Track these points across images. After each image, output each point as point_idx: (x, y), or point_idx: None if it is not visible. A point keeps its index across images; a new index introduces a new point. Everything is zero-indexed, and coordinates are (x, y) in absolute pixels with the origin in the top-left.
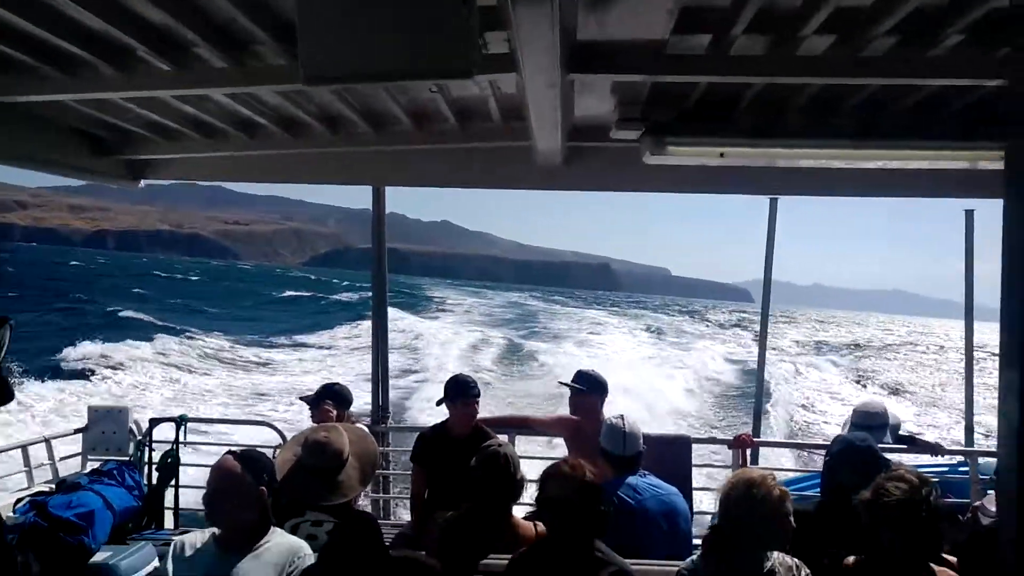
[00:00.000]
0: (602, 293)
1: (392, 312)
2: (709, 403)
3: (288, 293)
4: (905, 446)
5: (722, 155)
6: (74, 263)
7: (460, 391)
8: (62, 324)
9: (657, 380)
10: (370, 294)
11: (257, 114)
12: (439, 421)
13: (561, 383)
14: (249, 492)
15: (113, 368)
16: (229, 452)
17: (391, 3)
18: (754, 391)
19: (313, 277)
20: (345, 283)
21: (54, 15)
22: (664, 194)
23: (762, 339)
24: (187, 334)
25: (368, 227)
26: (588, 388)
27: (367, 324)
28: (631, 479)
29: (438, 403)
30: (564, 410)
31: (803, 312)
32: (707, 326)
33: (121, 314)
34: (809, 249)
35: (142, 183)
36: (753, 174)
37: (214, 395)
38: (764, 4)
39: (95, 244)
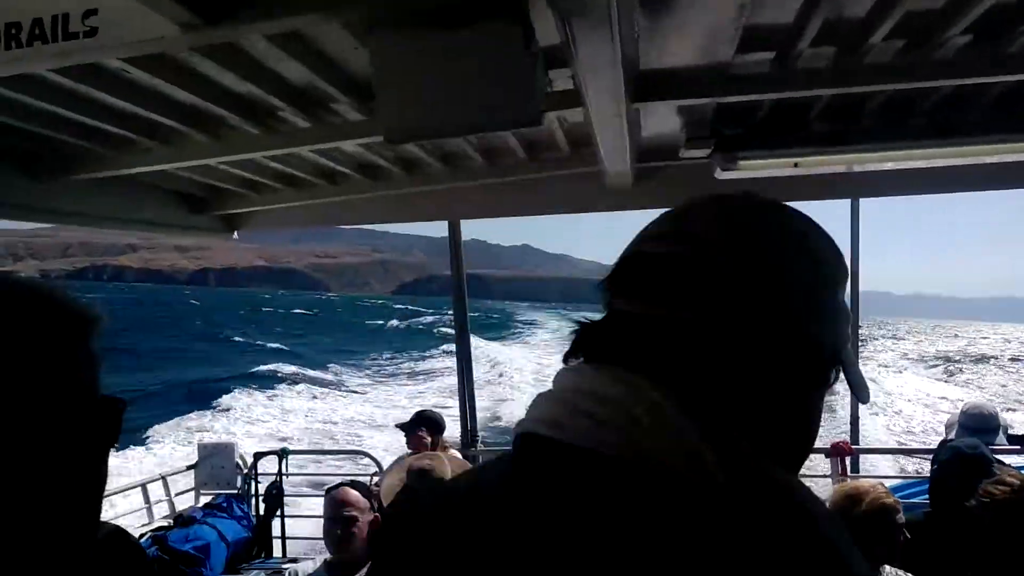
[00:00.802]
0: None
1: (475, 340)
2: None
3: (381, 322)
4: (1021, 447)
5: (796, 165)
6: (193, 301)
7: None
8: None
9: None
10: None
11: (338, 163)
12: None
13: None
14: (367, 519)
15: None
16: (340, 484)
17: (460, 61)
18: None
19: (400, 306)
20: (430, 310)
21: (153, 94)
22: None
23: (854, 343)
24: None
25: (446, 256)
26: None
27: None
28: None
29: None
30: None
31: (901, 321)
32: None
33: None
34: (908, 257)
35: (235, 235)
36: (829, 180)
37: (318, 423)
38: (829, 16)
39: (198, 281)
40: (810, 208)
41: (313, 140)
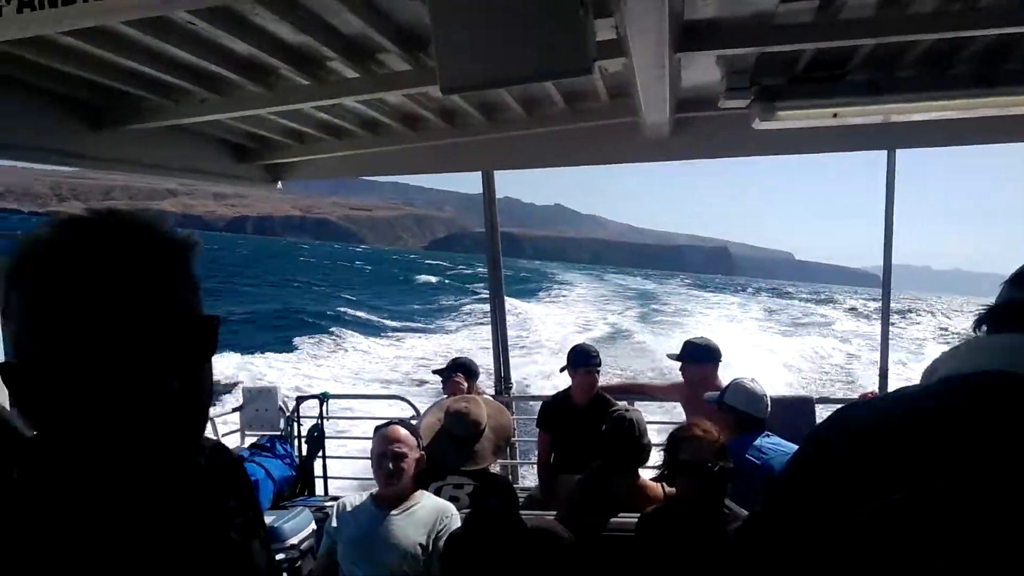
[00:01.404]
0: (719, 277)
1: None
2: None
3: (420, 278)
4: None
5: (835, 115)
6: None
7: (582, 360)
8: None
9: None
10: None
11: (381, 114)
12: (562, 389)
13: (669, 356)
14: (411, 455)
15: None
16: (390, 421)
17: (515, 14)
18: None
19: (438, 262)
20: (460, 265)
21: (213, 46)
22: (777, 163)
23: (885, 294)
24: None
25: (483, 212)
26: (698, 358)
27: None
28: (757, 440)
29: (561, 370)
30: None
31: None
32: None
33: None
34: (950, 231)
35: (279, 184)
36: (866, 130)
37: (361, 372)
38: None
39: (236, 229)
40: (846, 158)
41: (361, 90)
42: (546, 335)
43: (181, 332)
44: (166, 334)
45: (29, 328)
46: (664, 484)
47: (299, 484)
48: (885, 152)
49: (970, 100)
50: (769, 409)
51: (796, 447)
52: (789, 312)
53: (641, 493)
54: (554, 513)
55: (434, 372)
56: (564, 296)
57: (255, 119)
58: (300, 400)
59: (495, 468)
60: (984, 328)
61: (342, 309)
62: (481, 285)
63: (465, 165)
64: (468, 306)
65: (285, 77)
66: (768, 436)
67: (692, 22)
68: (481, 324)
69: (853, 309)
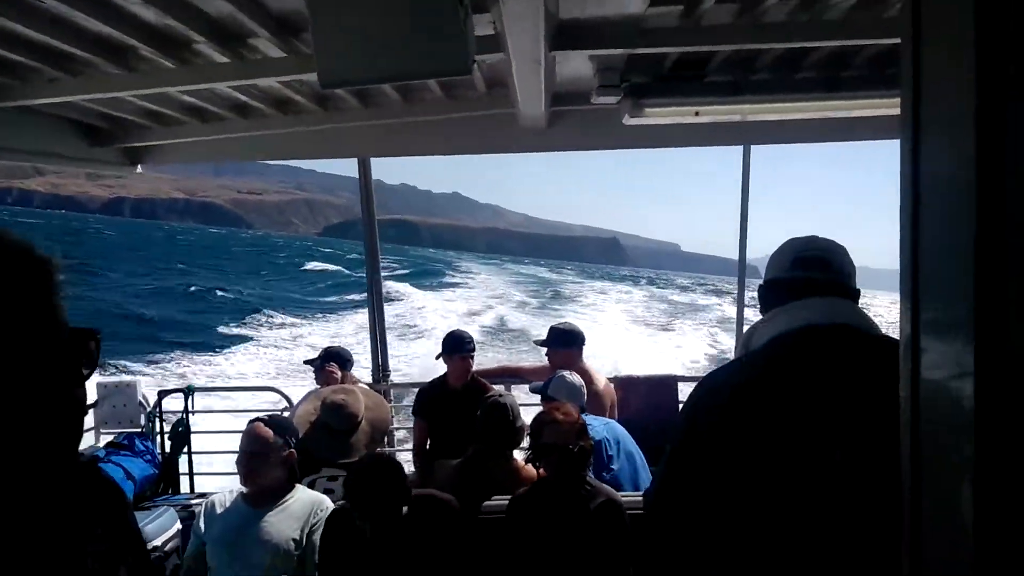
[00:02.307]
0: (609, 267)
1: (405, 286)
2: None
3: (310, 264)
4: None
5: (697, 113)
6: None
7: (456, 346)
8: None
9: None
10: (397, 268)
11: (252, 98)
12: (437, 376)
13: (535, 342)
14: (279, 454)
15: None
16: (257, 418)
17: (395, 11)
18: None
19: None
20: (352, 255)
21: (65, 24)
22: (665, 154)
23: (740, 283)
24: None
25: (378, 199)
26: (562, 343)
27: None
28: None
29: (436, 357)
30: None
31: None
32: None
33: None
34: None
35: (139, 168)
36: (726, 127)
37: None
38: None
39: (112, 211)
40: (708, 152)
41: (231, 76)
42: (442, 323)
43: (49, 350)
44: (33, 352)
45: None
46: (538, 465)
47: (162, 482)
48: (741, 148)
49: (816, 102)
50: (586, 399)
51: (603, 420)
52: (670, 300)
53: (517, 475)
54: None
55: (305, 363)
56: (463, 284)
57: (111, 100)
58: (162, 394)
59: None
60: (773, 299)
61: (221, 294)
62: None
63: (340, 151)
64: (359, 294)
65: (146, 58)
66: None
67: (567, 21)
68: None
69: (715, 293)
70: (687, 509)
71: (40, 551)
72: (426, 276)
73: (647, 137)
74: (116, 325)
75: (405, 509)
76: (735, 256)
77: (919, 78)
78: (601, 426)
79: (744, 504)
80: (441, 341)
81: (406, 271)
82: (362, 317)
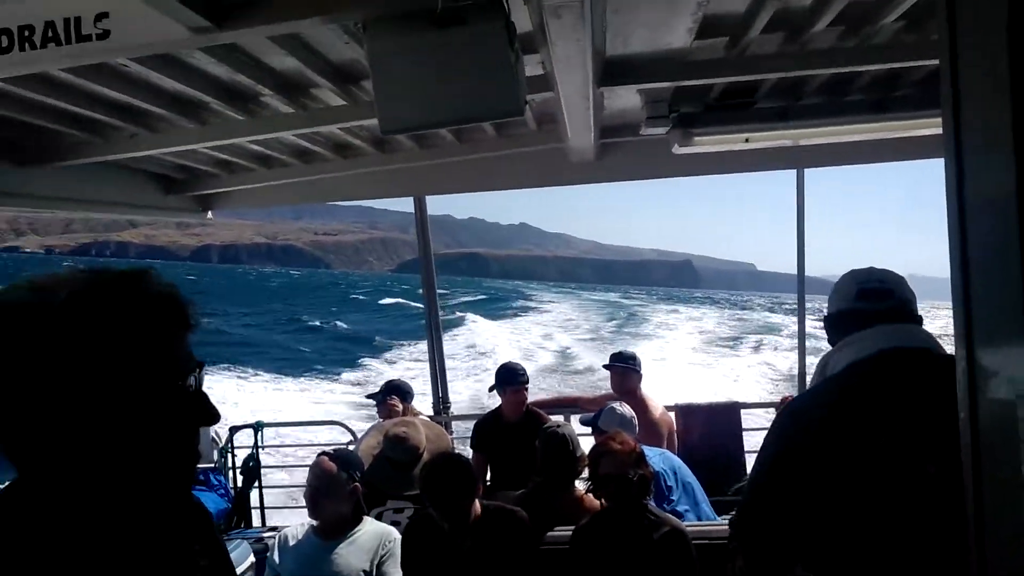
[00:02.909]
0: (682, 290)
1: (474, 316)
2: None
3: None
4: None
5: (747, 140)
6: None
7: (509, 378)
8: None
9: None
10: (467, 298)
11: (313, 144)
12: (492, 409)
13: (604, 366)
14: (344, 488)
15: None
16: (324, 453)
17: (451, 58)
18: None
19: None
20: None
21: (144, 84)
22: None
23: (800, 302)
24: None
25: (447, 233)
26: (628, 366)
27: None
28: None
29: (490, 390)
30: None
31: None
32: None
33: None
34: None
35: (209, 214)
36: (777, 152)
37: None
38: (777, 7)
39: (200, 258)
40: (759, 177)
41: (295, 125)
42: (510, 351)
43: (173, 404)
44: (158, 406)
45: (20, 396)
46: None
47: (235, 516)
48: (795, 171)
49: (866, 124)
50: (641, 428)
51: (659, 451)
52: (745, 321)
53: (579, 506)
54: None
55: (368, 397)
56: (533, 311)
57: (185, 152)
58: (234, 430)
59: None
60: (842, 330)
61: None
62: (452, 303)
63: (396, 191)
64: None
65: (217, 112)
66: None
67: (614, 58)
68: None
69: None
70: (779, 534)
71: (162, 565)
72: (496, 304)
73: (698, 165)
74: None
75: (478, 512)
76: (809, 272)
77: (958, 99)
78: (657, 457)
79: (842, 523)
80: (495, 373)
81: (475, 298)
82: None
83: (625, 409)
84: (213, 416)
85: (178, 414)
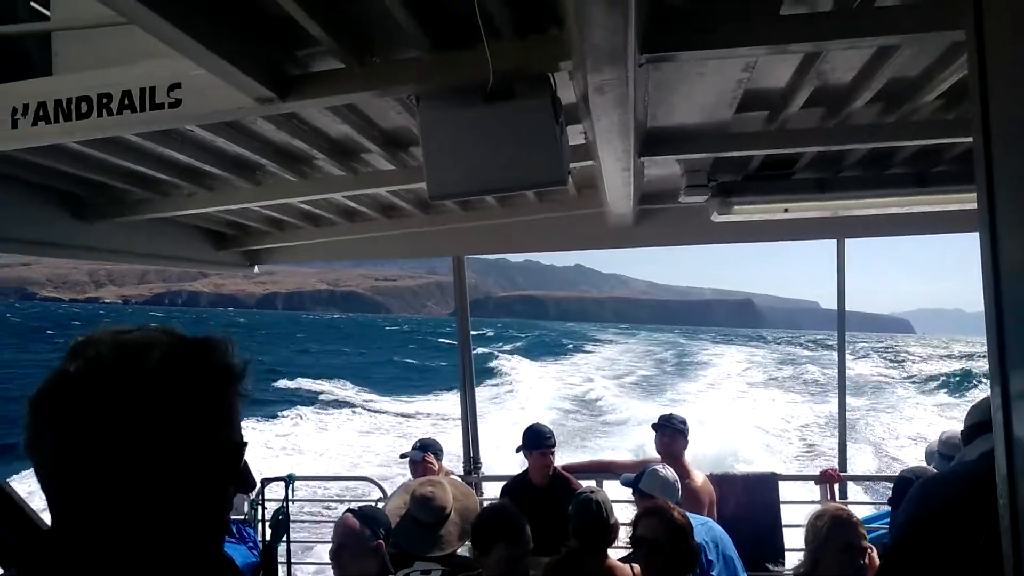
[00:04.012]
0: (742, 331)
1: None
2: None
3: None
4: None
5: (786, 210)
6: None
7: (536, 442)
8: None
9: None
10: (518, 342)
11: (360, 204)
12: (520, 472)
13: (652, 426)
14: (368, 546)
15: None
16: (349, 510)
17: (498, 131)
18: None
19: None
20: (484, 328)
21: (205, 147)
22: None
23: (841, 370)
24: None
25: (503, 276)
26: (677, 429)
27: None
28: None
29: (516, 451)
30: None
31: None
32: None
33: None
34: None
35: (255, 269)
36: (816, 223)
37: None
38: (818, 84)
39: (266, 305)
40: (799, 247)
41: (345, 187)
42: (549, 397)
43: (212, 461)
44: (198, 462)
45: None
46: (632, 565)
47: (262, 571)
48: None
49: (907, 197)
50: (683, 495)
51: (702, 519)
52: (811, 366)
53: (610, 574)
54: None
55: (402, 456)
56: (581, 354)
57: (238, 210)
58: (265, 482)
59: (463, 551)
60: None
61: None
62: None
63: (438, 251)
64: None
65: (272, 173)
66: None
67: (654, 129)
68: (491, 386)
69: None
70: None
71: None
72: (544, 348)
73: (736, 232)
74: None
75: None
76: (877, 310)
77: (991, 177)
78: (700, 527)
79: None
80: (522, 435)
81: (521, 343)
82: (484, 391)
83: (668, 472)
84: (250, 484)
85: (222, 478)
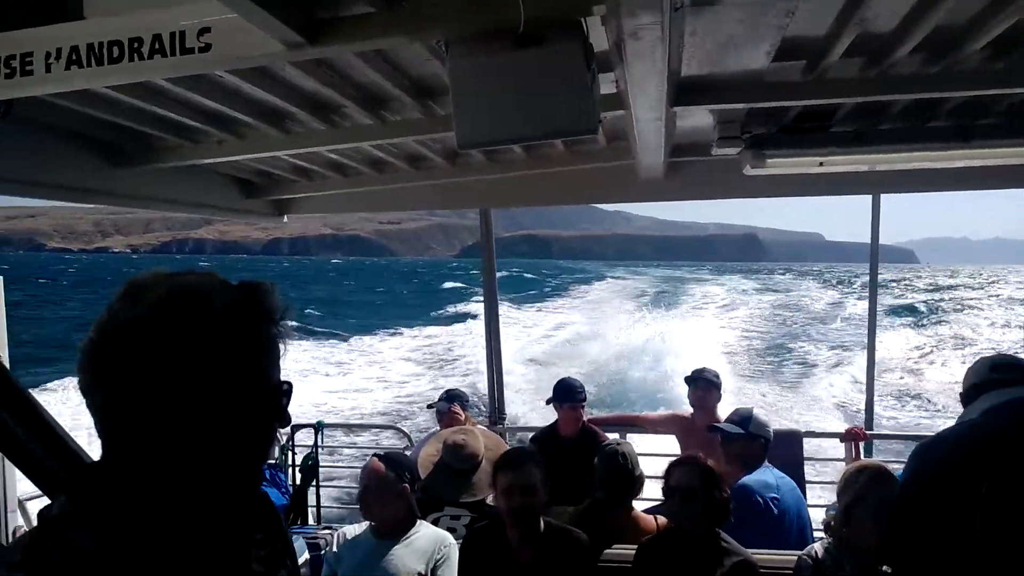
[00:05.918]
0: (745, 264)
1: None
2: None
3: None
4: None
5: (821, 164)
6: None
7: (566, 395)
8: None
9: None
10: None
11: (387, 154)
12: (549, 423)
13: (685, 379)
14: (394, 489)
15: None
16: (375, 455)
17: (528, 77)
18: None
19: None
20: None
21: (235, 94)
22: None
23: (871, 329)
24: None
25: (506, 216)
26: (712, 382)
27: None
28: (768, 477)
29: (547, 402)
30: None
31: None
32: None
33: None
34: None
35: (285, 219)
36: (852, 177)
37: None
38: (859, 31)
39: (271, 251)
40: (833, 202)
41: (373, 136)
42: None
43: (263, 399)
44: (252, 401)
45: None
46: (656, 516)
47: (292, 513)
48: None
49: (948, 152)
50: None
51: (792, 483)
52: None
53: (634, 525)
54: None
55: (428, 407)
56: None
57: (267, 159)
58: (295, 429)
59: (492, 500)
60: (975, 396)
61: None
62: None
63: (465, 203)
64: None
65: (301, 121)
66: (770, 469)
67: (688, 78)
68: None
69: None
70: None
71: (214, 554)
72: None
73: (769, 186)
74: None
75: (542, 526)
76: (886, 241)
77: None
78: (789, 494)
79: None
80: (552, 387)
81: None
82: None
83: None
84: (288, 420)
85: (271, 415)
